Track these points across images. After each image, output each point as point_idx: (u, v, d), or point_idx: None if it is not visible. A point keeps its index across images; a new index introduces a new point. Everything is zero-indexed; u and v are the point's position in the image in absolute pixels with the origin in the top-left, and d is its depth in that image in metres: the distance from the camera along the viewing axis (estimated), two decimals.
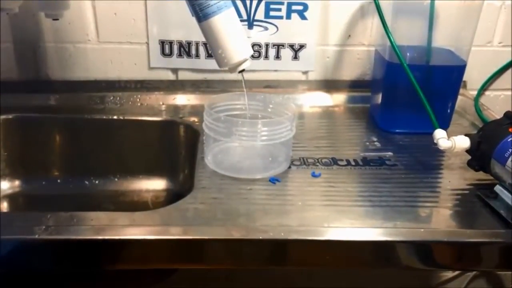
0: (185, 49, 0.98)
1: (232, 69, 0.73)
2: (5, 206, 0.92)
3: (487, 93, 1.07)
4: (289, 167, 0.77)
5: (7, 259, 0.59)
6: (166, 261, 0.62)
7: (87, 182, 0.95)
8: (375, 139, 0.88)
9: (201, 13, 0.68)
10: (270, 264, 0.63)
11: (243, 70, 0.73)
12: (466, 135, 0.74)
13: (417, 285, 0.75)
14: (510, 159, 0.66)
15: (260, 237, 0.61)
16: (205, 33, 0.71)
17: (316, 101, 1.02)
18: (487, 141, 0.71)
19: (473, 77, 1.04)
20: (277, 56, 1.01)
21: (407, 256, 0.63)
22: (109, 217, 0.64)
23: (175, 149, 0.93)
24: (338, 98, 1.03)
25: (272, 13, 0.97)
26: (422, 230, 0.63)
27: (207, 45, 0.95)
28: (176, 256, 0.62)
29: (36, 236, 0.59)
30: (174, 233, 0.61)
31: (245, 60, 0.72)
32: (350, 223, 0.65)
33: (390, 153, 0.83)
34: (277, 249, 0.62)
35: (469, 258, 0.65)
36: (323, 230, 0.63)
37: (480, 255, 0.64)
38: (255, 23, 0.97)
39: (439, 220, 0.67)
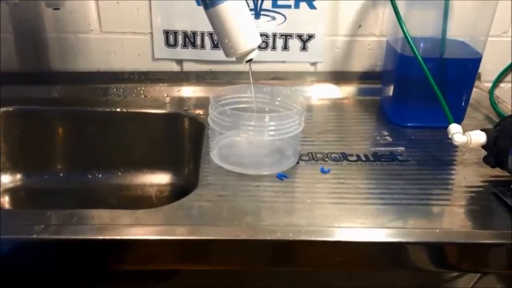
0: (190, 39, 0.96)
1: (239, 59, 0.71)
2: (6, 200, 0.91)
3: (502, 85, 1.04)
4: (297, 163, 0.75)
5: (5, 259, 0.57)
6: (170, 262, 0.60)
7: (90, 176, 0.94)
8: (386, 133, 0.85)
9: (208, 0, 0.66)
10: (278, 266, 0.61)
11: (250, 60, 0.71)
12: (482, 130, 0.72)
13: (422, 283, 0.73)
14: None
15: (268, 238, 0.58)
16: (212, 21, 0.69)
17: (325, 93, 1.00)
18: (504, 136, 0.69)
19: (488, 68, 1.01)
20: (285, 47, 0.98)
21: (421, 257, 0.61)
22: (111, 216, 0.62)
23: (180, 143, 0.92)
24: (348, 90, 1.01)
25: (280, 2, 0.94)
26: (438, 231, 0.61)
27: (214, 34, 0.93)
28: (181, 257, 0.60)
29: (35, 236, 0.57)
30: (179, 234, 0.59)
31: (252, 50, 0.70)
32: (361, 222, 0.62)
33: (402, 148, 0.80)
34: (285, 250, 0.60)
35: (484, 260, 0.62)
36: (333, 231, 0.60)
37: (496, 257, 0.62)
38: (262, 12, 0.95)
39: (453, 220, 0.64)
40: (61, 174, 0.93)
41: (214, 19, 0.68)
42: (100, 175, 0.94)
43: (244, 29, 0.68)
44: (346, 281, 0.69)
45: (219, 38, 0.70)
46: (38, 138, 0.91)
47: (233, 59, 0.71)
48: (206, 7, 0.68)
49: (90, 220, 0.60)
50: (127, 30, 0.96)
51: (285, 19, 0.96)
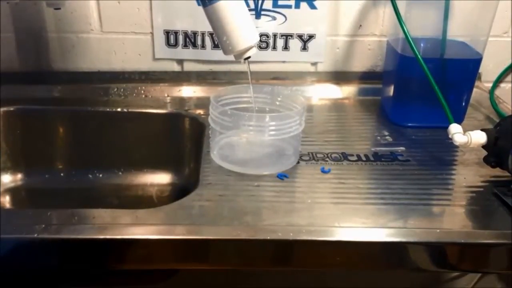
0: (191, 39, 0.96)
1: (237, 57, 0.71)
2: (7, 200, 0.91)
3: (502, 85, 1.04)
4: (298, 163, 0.75)
5: (5, 259, 0.57)
6: (170, 261, 0.60)
7: (90, 176, 0.94)
8: (386, 133, 0.85)
9: None
10: (278, 265, 0.61)
11: (248, 58, 0.71)
12: (482, 130, 0.71)
13: (422, 283, 0.73)
14: None
15: (268, 238, 0.58)
16: (210, 19, 0.69)
17: (326, 93, 1.00)
18: (505, 137, 0.69)
19: (488, 68, 1.01)
20: (286, 47, 0.98)
21: (421, 257, 0.61)
22: (112, 215, 0.61)
23: (181, 142, 0.92)
24: (348, 90, 1.00)
25: (280, 2, 0.94)
26: (438, 231, 0.61)
27: (213, 33, 0.93)
28: (181, 257, 0.60)
29: (35, 235, 0.57)
30: (179, 233, 0.58)
31: (250, 47, 0.70)
32: (361, 222, 0.62)
33: (402, 148, 0.80)
34: (285, 250, 0.60)
35: (485, 260, 0.62)
36: (334, 230, 0.60)
37: (497, 257, 0.61)
38: (262, 12, 0.95)
39: (454, 220, 0.64)
40: (61, 174, 0.93)
41: (212, 17, 0.68)
42: (100, 175, 0.94)
43: (242, 27, 0.68)
44: (346, 281, 0.69)
45: (217, 35, 0.70)
46: (39, 138, 0.91)
47: (232, 57, 0.71)
48: (204, 5, 0.68)
49: (91, 219, 0.60)
50: (128, 30, 0.96)
51: (286, 19, 0.96)
